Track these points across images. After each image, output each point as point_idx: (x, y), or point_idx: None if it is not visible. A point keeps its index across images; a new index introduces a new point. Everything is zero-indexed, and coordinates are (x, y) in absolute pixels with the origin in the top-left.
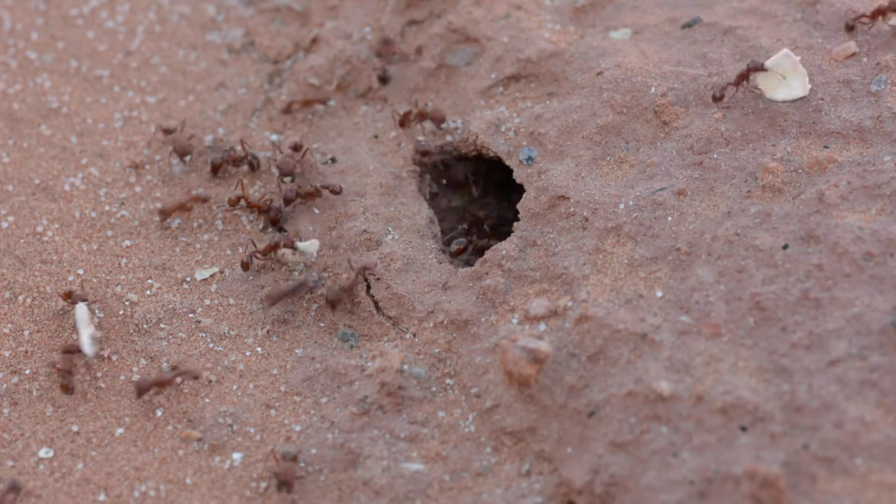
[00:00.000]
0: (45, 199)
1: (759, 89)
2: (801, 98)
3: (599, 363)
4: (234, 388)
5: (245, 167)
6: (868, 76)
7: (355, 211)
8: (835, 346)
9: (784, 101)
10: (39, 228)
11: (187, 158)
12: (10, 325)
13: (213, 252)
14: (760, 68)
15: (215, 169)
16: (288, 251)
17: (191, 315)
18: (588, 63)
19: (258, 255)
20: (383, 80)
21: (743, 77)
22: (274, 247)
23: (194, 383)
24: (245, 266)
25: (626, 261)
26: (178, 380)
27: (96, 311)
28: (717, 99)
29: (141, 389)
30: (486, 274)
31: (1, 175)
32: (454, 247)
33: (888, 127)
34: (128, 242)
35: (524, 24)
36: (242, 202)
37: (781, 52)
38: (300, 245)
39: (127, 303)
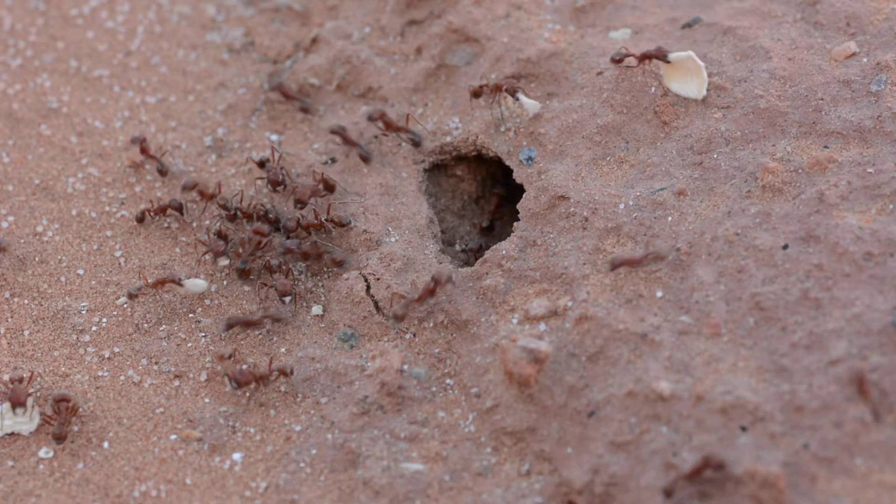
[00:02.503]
0: (45, 199)
1: (661, 74)
2: (693, 99)
3: (599, 363)
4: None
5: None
6: (868, 76)
7: (355, 211)
8: (835, 346)
9: (677, 94)
10: (39, 228)
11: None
12: (10, 325)
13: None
14: (663, 58)
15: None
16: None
17: (191, 315)
18: (588, 63)
19: (146, 289)
20: (416, 143)
21: (646, 57)
22: (162, 282)
23: (194, 383)
24: (131, 297)
25: None
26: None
27: (98, 313)
28: (614, 61)
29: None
30: (486, 274)
31: (1, 175)
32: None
33: (888, 127)
34: (128, 242)
35: (524, 24)
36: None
37: (687, 53)
38: (186, 282)
39: (127, 303)
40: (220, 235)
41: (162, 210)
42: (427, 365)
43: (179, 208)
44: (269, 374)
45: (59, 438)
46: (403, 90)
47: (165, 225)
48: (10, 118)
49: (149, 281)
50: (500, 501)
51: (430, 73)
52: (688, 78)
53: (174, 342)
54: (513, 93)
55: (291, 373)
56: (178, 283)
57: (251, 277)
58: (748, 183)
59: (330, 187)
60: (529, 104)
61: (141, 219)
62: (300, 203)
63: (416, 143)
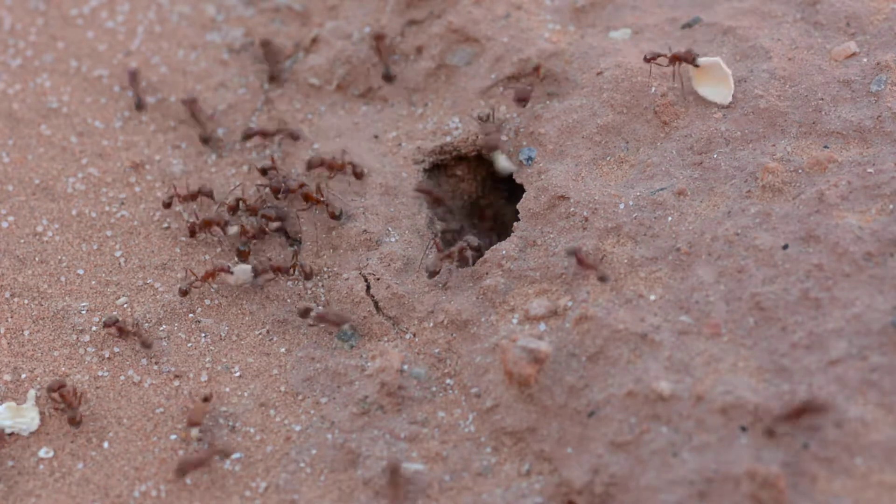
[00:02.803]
0: (45, 199)
1: (690, 77)
2: (721, 105)
3: (599, 363)
4: (234, 388)
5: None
6: (868, 76)
7: (355, 211)
8: (835, 346)
9: (704, 98)
10: (39, 228)
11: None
12: (9, 325)
13: (212, 252)
14: (692, 61)
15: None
16: (227, 276)
17: (191, 315)
18: (588, 63)
19: (197, 282)
20: (388, 77)
21: (676, 58)
22: (212, 274)
23: (194, 384)
24: (183, 293)
25: (626, 261)
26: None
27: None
28: (646, 59)
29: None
30: (486, 274)
31: (1, 175)
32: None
33: (888, 127)
34: (128, 242)
35: (524, 24)
36: (241, 205)
37: (715, 59)
38: (235, 269)
39: (127, 303)
40: (192, 230)
41: (192, 197)
42: (427, 365)
43: (210, 194)
44: (210, 457)
45: (75, 423)
46: (404, 90)
47: (165, 225)
48: (10, 118)
49: (198, 275)
50: (500, 501)
51: (430, 73)
52: (716, 83)
53: (174, 342)
54: (491, 149)
55: (229, 454)
56: (228, 271)
57: (251, 259)
58: (748, 183)
59: (358, 174)
60: (503, 165)
61: (168, 205)
62: (308, 166)
63: (295, 137)
